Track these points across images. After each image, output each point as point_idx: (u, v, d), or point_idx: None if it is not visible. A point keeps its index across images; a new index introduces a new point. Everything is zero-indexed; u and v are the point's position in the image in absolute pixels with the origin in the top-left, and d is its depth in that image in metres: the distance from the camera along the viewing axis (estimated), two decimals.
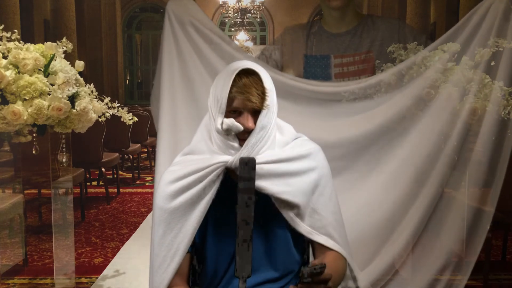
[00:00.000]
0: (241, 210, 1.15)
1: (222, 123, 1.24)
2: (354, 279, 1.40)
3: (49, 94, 2.09)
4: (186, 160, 1.33)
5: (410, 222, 1.66)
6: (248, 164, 1.17)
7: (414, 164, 1.68)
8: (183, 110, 1.77)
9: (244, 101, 1.22)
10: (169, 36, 1.78)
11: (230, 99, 1.23)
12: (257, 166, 1.22)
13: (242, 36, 15.03)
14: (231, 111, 1.24)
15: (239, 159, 1.18)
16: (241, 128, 1.23)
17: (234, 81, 1.22)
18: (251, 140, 1.24)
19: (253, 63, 1.28)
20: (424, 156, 1.66)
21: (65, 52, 2.22)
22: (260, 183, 1.24)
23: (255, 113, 1.25)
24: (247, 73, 1.24)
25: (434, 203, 1.66)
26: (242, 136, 1.25)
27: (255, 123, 1.24)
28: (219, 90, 1.25)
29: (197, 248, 1.34)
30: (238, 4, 12.28)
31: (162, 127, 1.75)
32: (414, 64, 1.69)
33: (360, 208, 1.70)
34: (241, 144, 1.25)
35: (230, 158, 1.25)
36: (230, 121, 1.23)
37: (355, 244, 1.58)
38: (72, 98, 2.15)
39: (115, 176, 5.81)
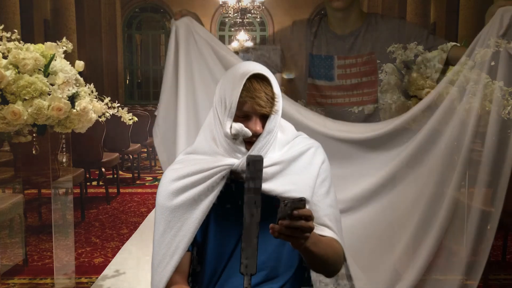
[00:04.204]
0: (248, 209, 1.10)
1: (230, 127, 1.24)
2: (349, 277, 1.39)
3: (49, 94, 2.09)
4: (189, 159, 1.33)
5: (430, 230, 1.64)
6: (256, 163, 1.15)
7: (425, 174, 1.68)
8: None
9: (254, 106, 1.22)
10: (186, 49, 1.81)
11: (240, 103, 1.23)
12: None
13: (242, 36, 15.03)
14: (239, 115, 1.24)
15: (247, 157, 1.12)
16: (250, 133, 1.23)
17: (243, 85, 1.22)
18: (258, 144, 1.25)
19: (261, 66, 1.27)
20: (433, 163, 1.66)
21: (65, 52, 2.22)
22: (266, 186, 1.24)
23: (263, 117, 1.25)
24: (257, 77, 1.24)
25: (447, 208, 1.64)
26: (249, 139, 1.25)
27: (262, 127, 1.25)
28: (228, 94, 1.24)
29: (198, 247, 1.34)
30: (238, 4, 12.26)
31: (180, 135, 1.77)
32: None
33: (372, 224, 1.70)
34: (247, 148, 1.26)
35: (237, 161, 1.25)
36: (239, 126, 1.23)
37: (367, 255, 1.58)
38: (72, 98, 2.15)
39: (115, 176, 5.81)
